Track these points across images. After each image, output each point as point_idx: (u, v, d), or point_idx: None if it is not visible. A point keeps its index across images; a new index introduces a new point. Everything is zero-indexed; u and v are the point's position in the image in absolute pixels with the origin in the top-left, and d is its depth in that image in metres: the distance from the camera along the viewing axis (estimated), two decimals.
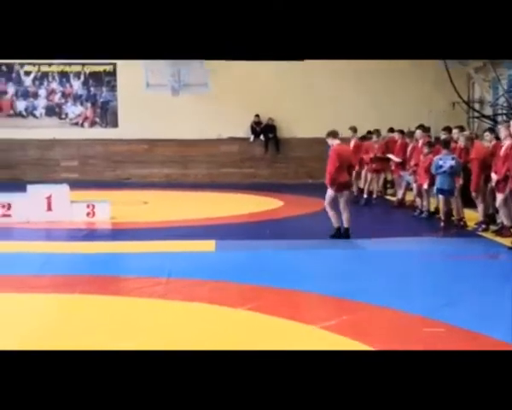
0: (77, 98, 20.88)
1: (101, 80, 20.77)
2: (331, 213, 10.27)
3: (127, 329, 5.92)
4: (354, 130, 15.26)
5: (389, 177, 16.63)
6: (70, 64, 20.55)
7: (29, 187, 12.44)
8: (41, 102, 20.86)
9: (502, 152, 10.11)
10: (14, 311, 6.53)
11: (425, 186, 12.27)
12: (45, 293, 7.09)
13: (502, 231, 10.34)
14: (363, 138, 16.33)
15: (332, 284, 7.37)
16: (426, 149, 12.35)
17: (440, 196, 11.52)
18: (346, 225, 10.35)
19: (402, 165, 14.14)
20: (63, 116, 20.94)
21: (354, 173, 14.73)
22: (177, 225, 11.94)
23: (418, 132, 13.49)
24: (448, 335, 5.66)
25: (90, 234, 11.21)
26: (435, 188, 11.55)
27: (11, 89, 20.82)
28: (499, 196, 10.15)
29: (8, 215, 11.96)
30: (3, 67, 20.62)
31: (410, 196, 14.15)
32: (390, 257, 9.14)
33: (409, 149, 13.80)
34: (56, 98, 20.88)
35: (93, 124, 20.99)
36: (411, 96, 20.22)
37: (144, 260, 9.00)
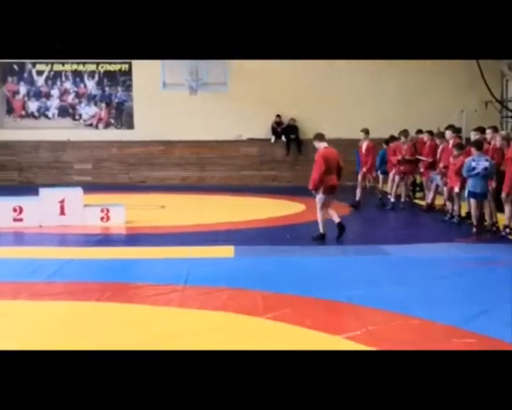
0: (91, 98, 21.05)
1: (116, 80, 20.92)
2: (319, 217, 10.66)
3: (142, 338, 5.94)
4: (366, 132, 15.16)
5: (418, 179, 16.58)
6: (84, 63, 20.73)
7: (41, 190, 12.55)
8: (54, 103, 21.05)
9: None
10: (26, 319, 6.59)
11: (456, 189, 12.19)
12: (59, 301, 7.15)
13: None
14: (389, 141, 16.27)
15: (357, 292, 7.34)
16: (455, 151, 12.27)
17: (472, 200, 11.41)
18: (321, 230, 10.72)
19: (432, 166, 14.08)
20: (77, 117, 21.11)
21: (369, 177, 14.70)
22: (195, 230, 11.99)
23: (448, 133, 13.41)
24: (479, 346, 5.61)
25: (105, 239, 11.29)
26: (467, 191, 11.45)
27: (23, 89, 21.04)
28: None
29: (20, 219, 12.08)
30: (15, 67, 20.85)
31: (439, 200, 14.07)
32: (418, 264, 9.09)
33: (439, 150, 13.73)
34: (70, 98, 21.06)
35: (107, 125, 21.14)
36: (442, 95, 20.14)
37: (160, 266, 9.05)
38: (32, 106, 21.11)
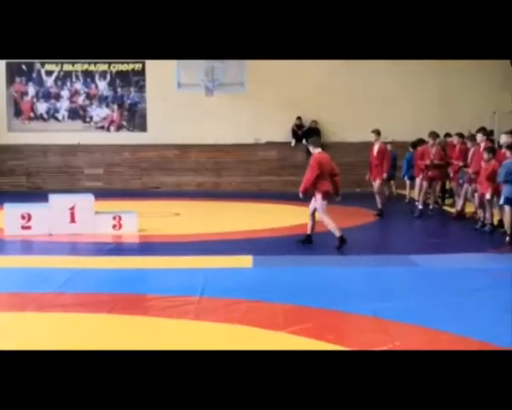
0: (102, 100, 21.19)
1: (128, 80, 21.05)
2: (331, 223, 11.02)
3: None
4: (378, 133, 14.96)
5: (447, 185, 16.50)
6: (95, 62, 20.88)
7: (51, 197, 12.65)
8: (64, 104, 21.22)
9: None
10: (35, 333, 6.64)
11: (487, 196, 12.10)
12: (69, 312, 7.20)
13: None
14: (416, 144, 16.22)
15: (383, 305, 7.32)
16: (486, 155, 12.18)
17: (507, 207, 11.30)
18: (309, 232, 11.21)
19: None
20: (87, 119, 21.26)
21: (378, 183, 14.56)
22: (211, 239, 12.02)
23: (479, 136, 13.34)
24: None
25: (117, 248, 11.36)
26: (503, 198, 11.33)
27: (31, 90, 21.23)
28: None
29: (28, 227, 12.17)
30: (23, 66, 21.05)
31: (470, 207, 13.99)
32: (448, 275, 9.04)
33: (469, 154, 13.65)
34: (80, 100, 21.22)
35: (120, 128, 21.27)
36: (474, 97, 20.06)
37: (175, 276, 9.08)
38: (41, 108, 21.28)
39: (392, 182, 18.57)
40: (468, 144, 14.01)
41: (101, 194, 15.28)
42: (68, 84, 21.15)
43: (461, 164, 14.18)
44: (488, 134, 14.30)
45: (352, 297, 7.84)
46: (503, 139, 12.31)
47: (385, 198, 14.85)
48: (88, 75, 21.09)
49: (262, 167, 21.16)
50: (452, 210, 15.08)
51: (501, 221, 12.21)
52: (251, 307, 7.40)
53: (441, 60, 16.45)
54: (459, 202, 14.36)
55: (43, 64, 21.02)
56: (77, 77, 21.12)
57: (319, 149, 11.35)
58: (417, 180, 15.53)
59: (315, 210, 11.17)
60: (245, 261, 9.83)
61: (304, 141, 20.89)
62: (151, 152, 21.06)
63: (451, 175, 15.08)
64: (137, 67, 20.91)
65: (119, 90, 21.13)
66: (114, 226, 12.42)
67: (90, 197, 12.78)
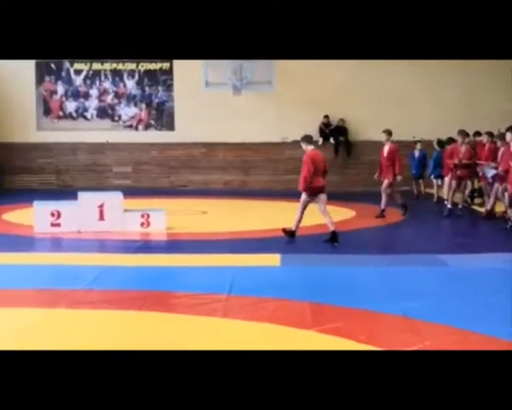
0: (130, 99, 21.33)
1: (156, 79, 21.16)
2: (299, 216, 11.43)
3: (185, 349, 5.98)
4: (389, 133, 14.73)
5: (476, 185, 16.34)
6: (123, 62, 21.01)
7: (80, 194, 12.75)
8: (92, 103, 21.39)
9: None
10: (66, 329, 6.70)
11: None
12: (99, 309, 7.25)
13: None
14: (444, 144, 16.09)
15: (412, 305, 7.26)
16: None
17: None
18: (331, 228, 11.23)
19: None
20: (116, 118, 21.41)
21: (386, 183, 14.34)
22: (238, 237, 12.03)
23: (509, 135, 13.17)
24: None
25: (145, 246, 11.42)
26: None
27: (60, 88, 21.43)
28: None
29: (58, 225, 12.29)
30: (52, 66, 21.25)
31: (500, 207, 13.84)
32: (477, 275, 8.95)
33: (499, 153, 13.50)
34: (109, 99, 21.37)
35: (148, 126, 21.38)
36: (503, 95, 19.82)
37: (203, 274, 9.11)
38: (70, 106, 21.47)
39: (420, 181, 18.46)
40: (498, 143, 13.86)
41: (129, 192, 15.37)
42: (97, 83, 21.31)
43: (493, 170, 14.00)
44: None
45: (380, 296, 7.79)
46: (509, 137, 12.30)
47: (387, 199, 14.54)
48: (116, 74, 21.23)
49: (289, 166, 21.09)
50: (482, 210, 14.93)
51: None
52: (279, 306, 7.39)
53: (463, 60, 16.24)
54: (489, 202, 14.21)
55: (72, 63, 21.20)
56: (105, 76, 21.28)
57: (312, 147, 11.62)
58: (446, 179, 15.40)
59: (324, 206, 11.40)
60: (273, 260, 9.83)
61: (331, 140, 20.86)
62: (179, 151, 21.14)
63: (480, 174, 14.94)
64: (165, 66, 21.01)
65: (147, 89, 21.25)
66: (142, 224, 12.49)
67: (118, 195, 12.87)
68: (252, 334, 6.46)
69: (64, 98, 21.43)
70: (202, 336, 6.37)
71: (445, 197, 15.55)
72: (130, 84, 21.27)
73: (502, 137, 13.78)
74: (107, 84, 21.30)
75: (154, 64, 21.02)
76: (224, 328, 6.66)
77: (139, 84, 21.24)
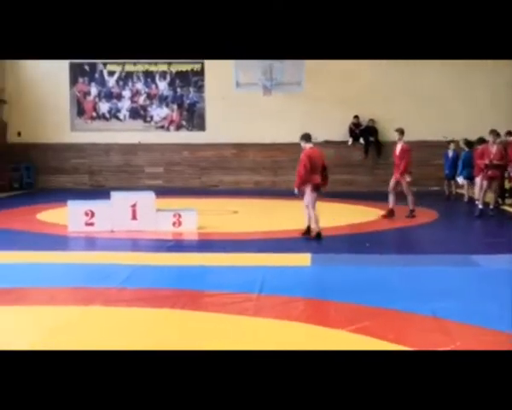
0: (162, 100, 21.49)
1: (188, 80, 21.30)
2: (314, 215, 11.57)
3: (216, 347, 6.03)
4: (401, 132, 14.54)
5: (507, 185, 16.18)
6: (156, 63, 21.19)
7: (113, 194, 12.89)
8: (125, 104, 21.60)
9: None
10: (100, 326, 6.80)
11: None
12: (132, 307, 7.35)
13: None
14: (472, 144, 15.95)
15: (442, 305, 7.23)
16: None
17: None
18: (308, 223, 11.65)
19: None
20: (148, 119, 21.59)
21: (393, 183, 14.18)
22: (269, 237, 12.07)
23: None
24: None
25: (177, 245, 11.52)
26: None
27: (94, 90, 21.66)
28: None
29: (92, 224, 12.44)
30: (86, 67, 21.50)
31: None
32: (509, 276, 8.87)
33: None
34: (141, 100, 21.56)
35: (179, 127, 21.53)
36: None
37: (234, 273, 9.16)
38: (103, 107, 21.69)
39: (453, 181, 18.32)
40: None
41: (161, 192, 15.50)
42: (130, 84, 21.51)
43: None
44: None
45: (410, 297, 7.76)
46: None
47: (408, 198, 14.38)
48: (148, 75, 21.41)
49: None
50: None
51: None
52: (309, 305, 7.42)
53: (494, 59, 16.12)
54: None
55: (105, 64, 21.43)
56: (138, 77, 21.47)
57: (310, 144, 11.83)
58: (477, 180, 15.26)
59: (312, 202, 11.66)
60: (303, 259, 9.85)
61: (361, 140, 20.80)
62: (209, 151, 21.25)
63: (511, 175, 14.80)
64: (196, 67, 21.13)
65: (178, 90, 21.39)
66: (174, 224, 12.58)
67: (151, 195, 12.98)
68: (282, 333, 6.49)
69: (97, 99, 21.66)
70: (233, 335, 6.42)
71: (475, 198, 15.41)
72: (162, 86, 21.43)
73: None
74: (139, 86, 21.49)
75: (185, 65, 21.15)
76: (254, 327, 6.69)
77: (171, 85, 21.40)
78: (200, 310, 7.34)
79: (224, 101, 20.68)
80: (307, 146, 11.80)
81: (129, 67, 21.40)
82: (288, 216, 15.08)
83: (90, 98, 21.68)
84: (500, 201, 16.19)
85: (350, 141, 20.86)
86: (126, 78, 21.50)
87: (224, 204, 16.97)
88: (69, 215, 12.59)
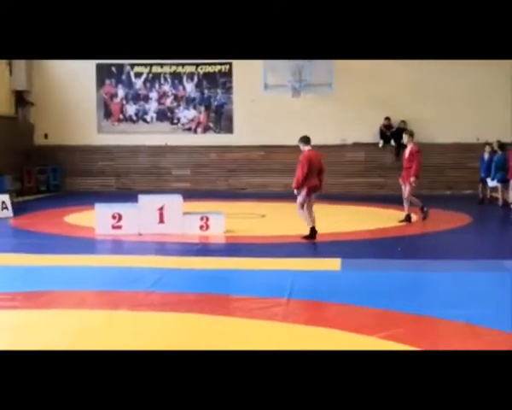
0: (190, 101, 21.60)
1: (215, 82, 21.38)
2: (304, 216, 11.98)
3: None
4: (410, 134, 14.38)
5: None
6: (183, 65, 21.30)
7: (140, 197, 12.97)
8: (152, 106, 21.75)
9: None
10: (127, 330, 6.85)
11: None
12: (160, 312, 7.40)
13: None
14: (503, 147, 15.81)
15: (477, 312, 7.17)
16: None
17: None
18: (311, 224, 11.96)
19: None
20: (175, 121, 21.71)
21: (407, 189, 13.95)
22: (298, 241, 12.05)
23: None
24: None
25: (204, 249, 11.57)
26: None
27: (121, 92, 21.85)
28: None
29: (119, 227, 12.54)
30: (113, 69, 21.69)
31: None
32: None
33: None
34: (168, 102, 21.69)
35: (206, 129, 21.62)
36: None
37: (262, 278, 9.18)
38: (130, 109, 21.87)
39: (487, 185, 18.16)
40: None
41: (187, 194, 15.56)
42: (157, 86, 21.66)
43: None
44: None
45: (443, 303, 7.71)
46: None
47: (417, 202, 14.22)
48: (176, 77, 21.54)
49: (349, 169, 21.06)
50: None
51: None
52: (340, 311, 7.39)
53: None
54: None
55: (132, 66, 21.60)
56: (165, 79, 21.61)
57: (309, 147, 12.17)
58: (511, 183, 15.12)
59: (309, 204, 12.03)
60: (333, 264, 9.83)
61: (392, 142, 20.69)
62: (237, 153, 21.31)
63: None
64: (224, 68, 21.20)
65: (205, 91, 21.49)
66: (202, 227, 12.62)
67: (178, 198, 13.03)
68: (312, 339, 6.48)
69: (124, 101, 21.85)
70: (262, 341, 6.43)
71: (510, 201, 15.25)
72: (190, 87, 21.55)
73: None
74: (166, 87, 21.63)
75: (213, 66, 21.23)
76: (283, 333, 6.70)
77: (198, 86, 21.50)
78: (228, 315, 7.35)
79: (252, 103, 20.72)
80: (306, 148, 12.13)
81: (156, 69, 21.55)
82: (318, 220, 15.03)
83: (117, 100, 21.87)
84: None
85: (381, 143, 20.77)
86: (153, 79, 21.65)
87: (252, 207, 16.99)
88: (97, 218, 12.71)
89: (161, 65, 21.43)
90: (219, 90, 21.42)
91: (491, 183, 17.42)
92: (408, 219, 14.08)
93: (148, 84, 21.72)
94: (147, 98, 21.77)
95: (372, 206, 17.17)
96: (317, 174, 12.05)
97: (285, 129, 20.77)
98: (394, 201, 17.87)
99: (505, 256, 10.52)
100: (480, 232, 13.65)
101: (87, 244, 11.91)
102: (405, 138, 14.36)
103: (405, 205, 14.13)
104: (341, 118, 20.69)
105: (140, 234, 12.43)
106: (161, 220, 12.58)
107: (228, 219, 12.98)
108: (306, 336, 6.55)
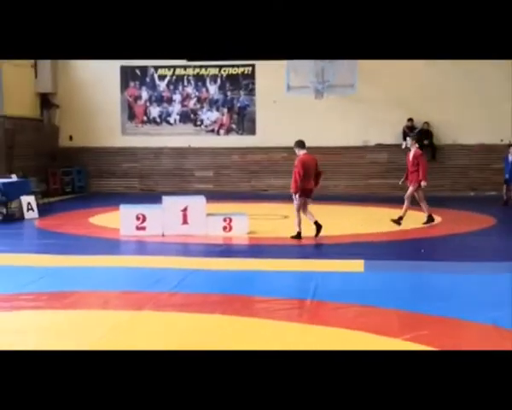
0: (213, 103, 21.63)
1: (238, 83, 21.39)
2: (297, 218, 12.16)
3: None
4: (413, 137, 14.25)
5: None
6: (206, 67, 21.34)
7: (164, 198, 13.00)
8: (175, 108, 21.81)
9: None
10: (150, 331, 6.85)
11: None
12: (184, 312, 7.39)
13: None
14: None
15: (503, 314, 7.07)
16: None
17: None
18: (297, 229, 12.14)
19: None
20: (198, 123, 21.75)
21: (410, 190, 13.72)
22: (321, 242, 12.01)
23: None
24: None
25: (228, 250, 11.56)
26: None
27: (145, 94, 21.94)
28: None
29: (143, 228, 12.58)
30: (137, 71, 21.79)
31: None
32: None
33: None
34: (191, 104, 21.74)
35: (229, 131, 21.63)
36: None
37: (286, 279, 9.16)
38: (154, 111, 21.96)
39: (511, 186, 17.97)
40: None
41: (211, 196, 15.57)
42: (180, 88, 21.72)
43: None
44: None
45: (468, 304, 7.62)
46: None
47: (407, 208, 13.97)
48: (199, 79, 21.58)
49: (370, 170, 20.96)
50: None
51: None
52: (364, 312, 7.33)
53: None
54: None
55: (156, 69, 21.68)
56: (188, 81, 21.66)
57: (304, 151, 12.38)
58: None
59: (304, 207, 12.27)
60: (356, 265, 9.77)
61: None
62: (260, 155, 21.30)
63: None
64: (247, 70, 21.21)
65: (228, 93, 21.50)
66: (225, 228, 12.63)
67: (202, 199, 13.04)
68: (336, 341, 6.43)
69: (148, 103, 21.93)
70: (285, 342, 6.39)
71: None
72: (213, 89, 21.58)
73: None
74: (189, 90, 21.69)
75: (235, 68, 21.25)
76: (307, 334, 6.66)
77: (221, 88, 21.52)
78: (251, 316, 7.32)
79: (275, 104, 20.70)
80: (301, 153, 12.32)
81: (179, 71, 21.61)
82: (340, 221, 14.99)
83: (141, 102, 21.97)
84: None
85: (403, 144, 20.59)
86: (177, 82, 21.72)
87: (275, 209, 16.96)
88: (121, 219, 12.76)
89: (185, 67, 21.49)
90: (242, 92, 21.43)
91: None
92: (430, 219, 13.95)
93: (171, 87, 21.79)
94: (170, 100, 21.83)
95: (395, 207, 17.03)
96: (314, 177, 12.34)
97: (308, 130, 20.69)
98: (415, 202, 17.72)
99: None
100: (504, 234, 13.47)
101: (112, 245, 11.95)
102: (409, 142, 14.23)
103: (423, 207, 13.98)
104: (364, 119, 20.60)
105: (164, 235, 12.46)
106: (185, 221, 12.60)
107: (251, 221, 12.97)
108: (330, 338, 6.50)
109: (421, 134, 20.51)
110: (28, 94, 21.34)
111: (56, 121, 22.24)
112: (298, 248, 11.58)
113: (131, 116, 22.04)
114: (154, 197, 16.33)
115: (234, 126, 21.64)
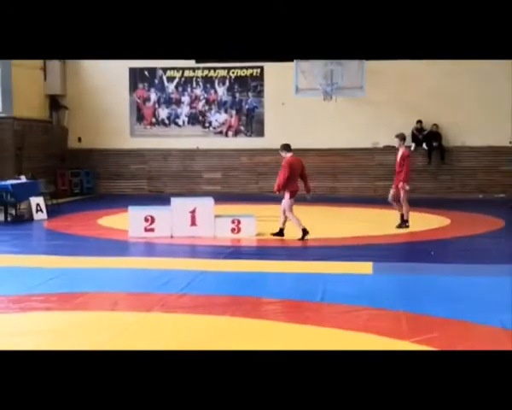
0: (221, 105, 21.66)
1: (246, 85, 21.41)
2: (294, 219, 12.44)
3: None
4: (402, 138, 13.83)
5: None
6: (215, 69, 21.37)
7: (173, 200, 13.02)
8: (184, 110, 21.85)
9: None
10: (159, 332, 6.87)
11: None
12: (193, 314, 7.41)
13: None
14: None
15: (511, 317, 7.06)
16: None
17: None
18: (281, 225, 12.58)
19: None
20: (206, 125, 21.78)
21: (399, 192, 13.48)
22: (328, 244, 12.01)
23: None
24: None
25: (236, 251, 11.57)
26: None
27: (153, 96, 21.99)
28: None
29: (152, 230, 12.61)
30: (146, 73, 21.84)
31: None
32: None
33: None
34: (200, 105, 21.77)
35: (237, 133, 21.65)
36: None
37: (294, 281, 9.17)
38: (163, 113, 22.00)
39: None
40: None
41: (219, 197, 15.59)
42: (189, 89, 21.76)
43: None
44: None
45: (477, 307, 7.61)
46: None
47: (403, 208, 13.74)
48: (208, 81, 21.61)
49: (379, 172, 20.92)
50: None
51: None
52: (372, 315, 7.33)
53: None
54: None
55: (164, 71, 21.73)
56: (197, 83, 21.70)
57: (291, 153, 12.59)
58: None
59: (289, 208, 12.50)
60: (365, 268, 9.77)
61: (424, 145, 20.52)
62: (268, 156, 21.28)
63: None
64: (256, 72, 21.22)
65: (237, 95, 21.52)
66: (233, 230, 12.65)
67: (210, 201, 13.06)
68: (344, 343, 6.44)
69: (157, 105, 21.98)
70: (293, 344, 6.40)
71: None
72: (221, 91, 21.60)
73: None
74: (198, 91, 21.72)
75: (244, 70, 21.27)
76: (315, 336, 6.66)
77: (230, 90, 21.55)
78: (260, 318, 7.34)
79: (283, 106, 20.70)
80: (288, 155, 12.56)
81: (188, 73, 21.65)
82: (348, 223, 14.99)
83: (150, 104, 22.01)
84: None
85: (413, 146, 20.60)
86: (185, 83, 21.75)
87: None
88: (130, 221, 12.78)
89: (193, 69, 21.53)
90: (251, 94, 21.44)
91: None
92: (404, 223, 13.68)
93: (180, 88, 21.82)
94: (179, 102, 21.87)
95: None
96: (303, 180, 12.80)
97: (316, 132, 20.73)
98: (427, 204, 17.72)
99: None
100: None
101: (120, 247, 11.99)
102: (396, 142, 13.89)
103: (401, 207, 13.69)
104: (373, 121, 20.58)
105: (172, 236, 12.48)
106: (193, 223, 12.63)
107: (259, 222, 12.98)
108: (339, 340, 6.51)
109: (431, 136, 20.52)
110: (37, 96, 21.42)
111: (65, 123, 22.32)
112: (306, 249, 11.59)
113: (140, 118, 22.09)
114: (162, 199, 16.37)
115: (242, 128, 21.66)
